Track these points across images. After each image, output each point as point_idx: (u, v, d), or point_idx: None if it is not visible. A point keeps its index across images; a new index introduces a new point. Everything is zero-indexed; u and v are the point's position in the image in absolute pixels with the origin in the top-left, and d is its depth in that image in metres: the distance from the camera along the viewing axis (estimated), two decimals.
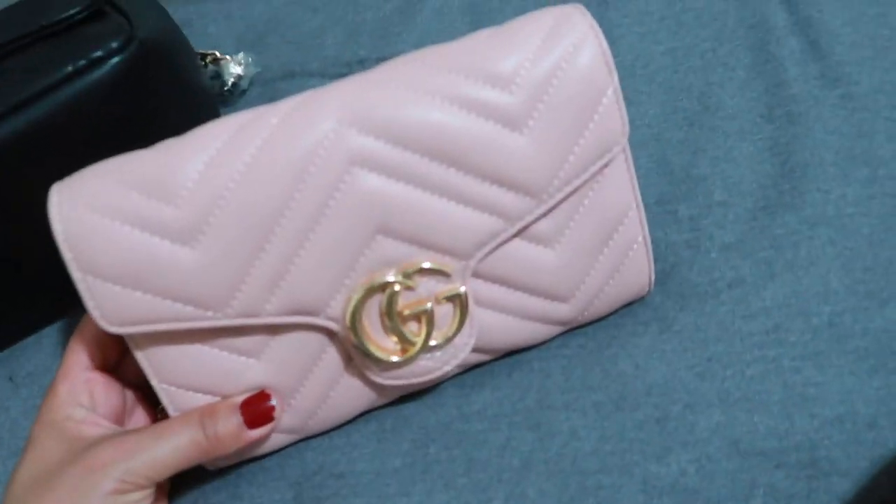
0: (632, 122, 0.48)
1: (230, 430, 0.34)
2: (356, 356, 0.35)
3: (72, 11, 0.38)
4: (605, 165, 0.35)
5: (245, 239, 0.31)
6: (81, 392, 0.35)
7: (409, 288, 0.34)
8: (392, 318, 0.34)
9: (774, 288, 0.41)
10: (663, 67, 0.51)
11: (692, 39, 0.52)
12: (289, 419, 0.37)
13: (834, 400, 0.37)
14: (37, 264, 0.40)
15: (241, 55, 0.50)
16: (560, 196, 0.34)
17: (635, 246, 0.38)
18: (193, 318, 0.32)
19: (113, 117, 0.38)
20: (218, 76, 0.50)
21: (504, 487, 0.37)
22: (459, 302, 0.35)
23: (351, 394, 0.37)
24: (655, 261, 0.42)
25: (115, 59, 0.37)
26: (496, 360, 0.40)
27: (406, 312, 0.34)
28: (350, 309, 0.33)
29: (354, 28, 0.54)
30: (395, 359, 0.35)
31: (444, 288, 0.34)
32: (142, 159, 0.31)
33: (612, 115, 0.33)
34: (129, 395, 0.38)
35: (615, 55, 0.51)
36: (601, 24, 0.52)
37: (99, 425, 0.34)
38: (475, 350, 0.38)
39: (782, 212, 0.43)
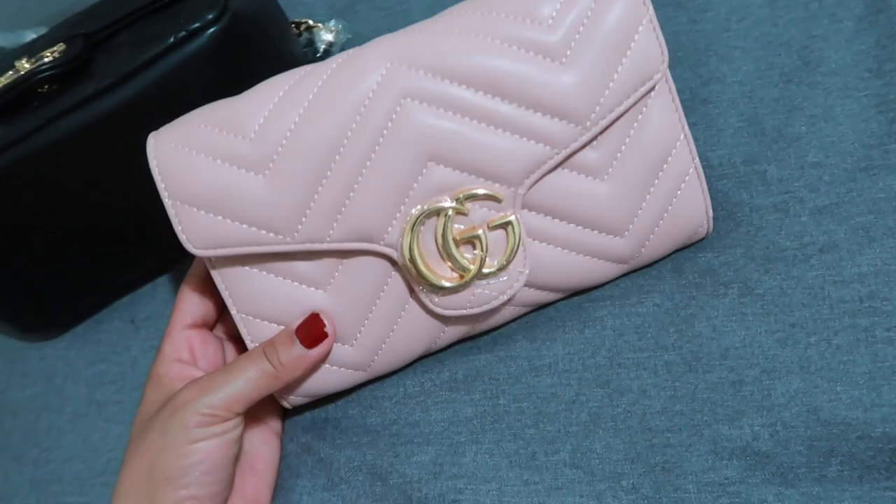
0: (723, 78, 0.46)
1: (292, 356, 0.36)
2: (415, 284, 0.37)
3: None
4: (647, 94, 0.36)
5: (308, 168, 0.35)
6: (182, 348, 0.39)
7: (461, 213, 0.36)
8: (446, 244, 0.36)
9: (872, 254, 0.39)
10: (761, 20, 0.48)
11: None
12: (355, 354, 0.39)
13: None
14: (150, 220, 0.45)
15: (332, 22, 0.52)
16: (603, 123, 0.35)
17: (687, 178, 0.38)
18: (265, 242, 0.36)
19: (211, 84, 0.41)
20: (311, 43, 0.52)
21: (571, 440, 0.38)
22: (511, 229, 0.36)
23: (413, 328, 0.38)
24: (739, 224, 0.41)
25: (211, 30, 0.39)
26: (562, 304, 0.40)
27: (459, 237, 0.36)
28: (405, 234, 0.36)
29: None
30: (450, 284, 0.36)
31: (496, 215, 0.36)
32: (219, 106, 0.36)
33: (648, 44, 0.35)
34: (230, 348, 0.42)
35: (708, 9, 0.49)
36: None
37: (192, 378, 0.38)
38: (534, 286, 0.38)
39: (885, 174, 0.41)
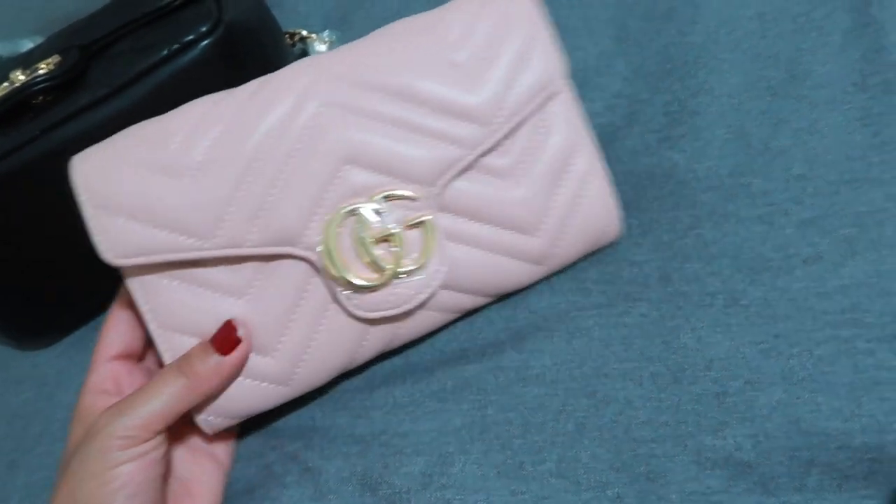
0: (711, 91, 0.47)
1: (208, 365, 0.36)
2: (335, 286, 0.37)
3: None
4: (549, 101, 0.39)
5: (228, 174, 0.36)
6: (106, 380, 0.39)
7: (377, 213, 0.37)
8: (363, 242, 0.37)
9: (854, 266, 0.39)
10: (750, 33, 0.49)
11: (784, 2, 0.50)
12: (275, 365, 0.38)
13: None
14: None
15: (325, 33, 0.53)
16: (508, 126, 0.38)
17: (591, 180, 0.39)
18: (184, 248, 0.36)
19: (204, 94, 0.41)
20: (305, 54, 0.52)
21: (557, 450, 0.38)
22: (427, 227, 0.37)
23: (334, 336, 0.38)
24: (726, 234, 0.41)
25: (205, 42, 0.40)
26: (550, 314, 0.41)
27: (376, 236, 0.37)
28: (323, 234, 0.37)
29: (436, 4, 0.55)
30: (368, 283, 0.37)
31: (412, 215, 0.37)
32: (144, 125, 0.37)
33: (546, 56, 0.38)
34: None
35: (697, 21, 0.50)
36: None
37: None
38: (455, 288, 0.39)
39: (868, 187, 0.41)
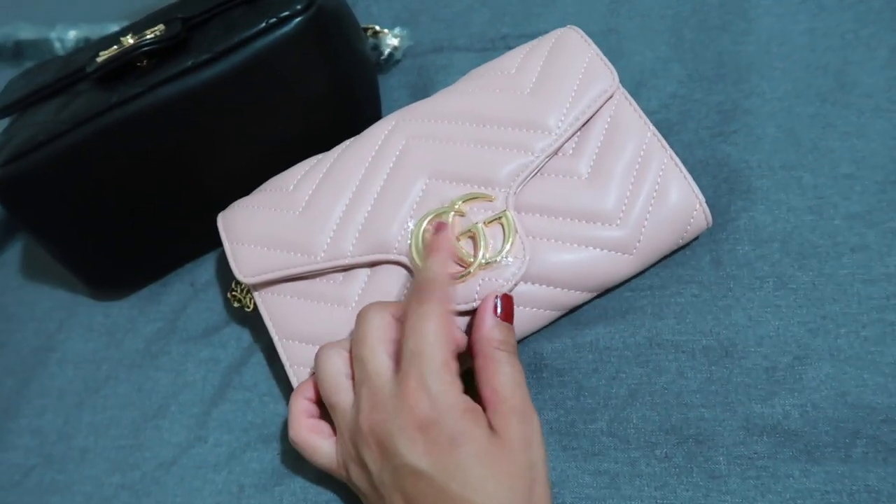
0: (762, 94, 0.50)
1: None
2: None
3: None
4: (607, 105, 0.44)
5: (331, 201, 0.43)
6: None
7: (460, 214, 0.41)
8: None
9: None
10: (800, 46, 0.52)
11: (833, 21, 0.53)
12: None
13: None
14: (220, 191, 0.48)
15: (396, 29, 0.56)
16: (571, 131, 0.43)
17: (663, 168, 0.42)
18: (298, 263, 0.42)
19: (296, 66, 0.45)
20: (376, 47, 0.56)
21: (609, 412, 0.40)
22: (505, 221, 0.41)
23: None
24: (776, 220, 0.43)
25: (299, 18, 0.43)
26: (605, 295, 0.43)
27: (459, 234, 0.41)
28: (413, 239, 0.41)
29: (499, 9, 0.59)
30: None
31: (491, 214, 0.41)
32: (271, 180, 0.46)
33: (596, 69, 0.44)
34: None
35: (750, 33, 0.53)
36: (739, 6, 0.54)
37: None
38: (548, 283, 0.41)
39: None
